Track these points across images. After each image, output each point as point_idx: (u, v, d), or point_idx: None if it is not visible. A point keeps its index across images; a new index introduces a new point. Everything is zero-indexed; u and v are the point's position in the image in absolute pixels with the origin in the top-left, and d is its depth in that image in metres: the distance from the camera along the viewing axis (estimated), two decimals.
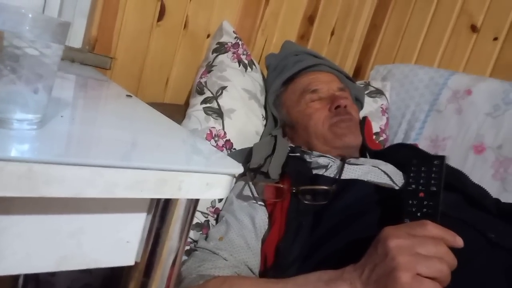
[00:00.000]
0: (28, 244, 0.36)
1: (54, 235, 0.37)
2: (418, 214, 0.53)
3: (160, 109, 0.62)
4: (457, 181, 0.68)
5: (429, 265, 0.43)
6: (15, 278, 1.01)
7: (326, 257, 0.60)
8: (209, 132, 0.84)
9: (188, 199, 0.43)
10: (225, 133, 0.85)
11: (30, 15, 0.32)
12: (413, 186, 0.56)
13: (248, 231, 0.70)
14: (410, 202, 0.55)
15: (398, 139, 1.09)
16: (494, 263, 0.51)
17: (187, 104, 1.19)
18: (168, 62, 1.12)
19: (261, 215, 0.72)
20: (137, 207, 0.41)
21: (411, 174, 0.57)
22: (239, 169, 0.41)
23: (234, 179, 0.42)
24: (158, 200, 0.42)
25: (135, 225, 0.42)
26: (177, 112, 1.06)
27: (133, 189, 0.35)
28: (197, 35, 1.13)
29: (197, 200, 0.44)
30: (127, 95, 0.71)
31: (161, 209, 0.43)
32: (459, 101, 1.01)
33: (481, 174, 0.90)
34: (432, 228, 0.47)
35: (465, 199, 0.66)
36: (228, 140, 0.85)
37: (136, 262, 0.44)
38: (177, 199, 0.42)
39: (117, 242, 0.41)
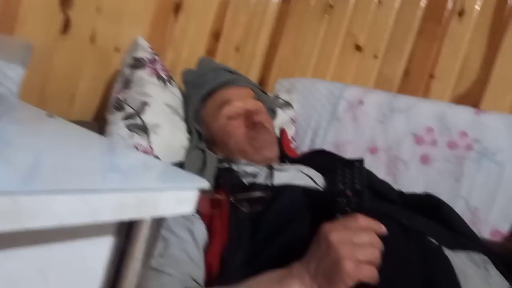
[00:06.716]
0: None
1: (20, 272, 0.34)
2: (348, 209, 0.62)
3: None
4: (368, 179, 0.80)
5: (366, 252, 0.52)
6: None
7: (269, 260, 0.64)
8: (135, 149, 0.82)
9: (153, 218, 0.43)
10: (152, 149, 0.84)
11: None
12: (341, 186, 0.64)
13: (189, 244, 0.70)
14: (340, 200, 0.63)
15: (306, 146, 1.20)
16: (410, 243, 0.62)
17: (96, 120, 1.13)
18: (74, 77, 1.05)
19: (199, 227, 0.73)
20: (103, 231, 0.40)
21: (338, 177, 0.66)
22: (206, 183, 0.43)
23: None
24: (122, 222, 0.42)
25: (102, 250, 0.41)
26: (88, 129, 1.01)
27: (116, 212, 0.34)
28: (105, 50, 1.08)
29: (162, 219, 0.45)
30: (48, 116, 0.66)
31: (126, 230, 0.43)
32: (353, 110, 1.16)
33: (377, 171, 1.05)
34: (363, 220, 0.55)
35: (375, 194, 0.78)
36: (156, 156, 0.84)
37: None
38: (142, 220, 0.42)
39: (84, 270, 0.40)
